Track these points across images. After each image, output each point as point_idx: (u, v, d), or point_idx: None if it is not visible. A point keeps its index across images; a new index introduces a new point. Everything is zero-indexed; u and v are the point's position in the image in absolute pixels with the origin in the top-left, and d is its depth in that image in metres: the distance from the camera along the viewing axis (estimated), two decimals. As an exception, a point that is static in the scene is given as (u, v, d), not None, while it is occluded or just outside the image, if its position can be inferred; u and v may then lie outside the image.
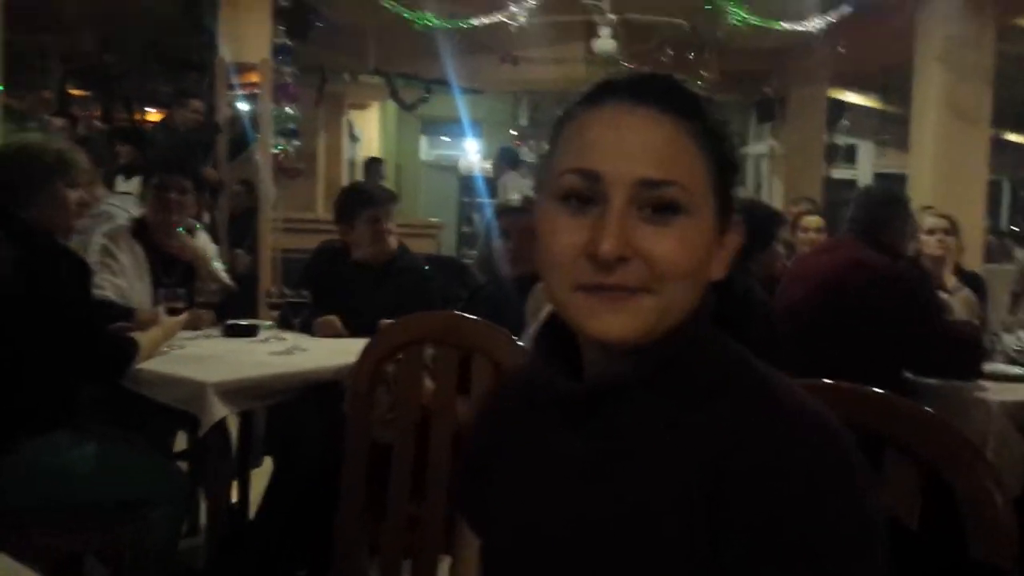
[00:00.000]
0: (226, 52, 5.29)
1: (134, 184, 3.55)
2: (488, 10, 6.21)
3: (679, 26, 7.23)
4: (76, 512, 2.12)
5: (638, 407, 0.76)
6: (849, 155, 12.11)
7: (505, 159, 8.21)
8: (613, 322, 0.73)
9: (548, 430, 0.81)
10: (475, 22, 6.13)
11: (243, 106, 5.77)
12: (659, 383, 0.76)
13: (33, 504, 2.09)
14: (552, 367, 0.80)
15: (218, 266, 3.30)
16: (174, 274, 3.05)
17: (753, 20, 6.50)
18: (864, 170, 12.15)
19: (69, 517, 2.11)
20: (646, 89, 0.75)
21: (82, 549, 2.37)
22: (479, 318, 1.72)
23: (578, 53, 7.56)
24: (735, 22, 6.33)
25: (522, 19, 5.93)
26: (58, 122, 5.85)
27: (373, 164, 9.19)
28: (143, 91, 7.90)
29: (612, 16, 6.72)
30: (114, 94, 7.99)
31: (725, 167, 0.77)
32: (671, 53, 7.31)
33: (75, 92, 7.92)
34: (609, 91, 0.76)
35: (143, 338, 2.39)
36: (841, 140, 11.14)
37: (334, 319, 3.01)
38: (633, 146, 0.73)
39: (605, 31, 6.81)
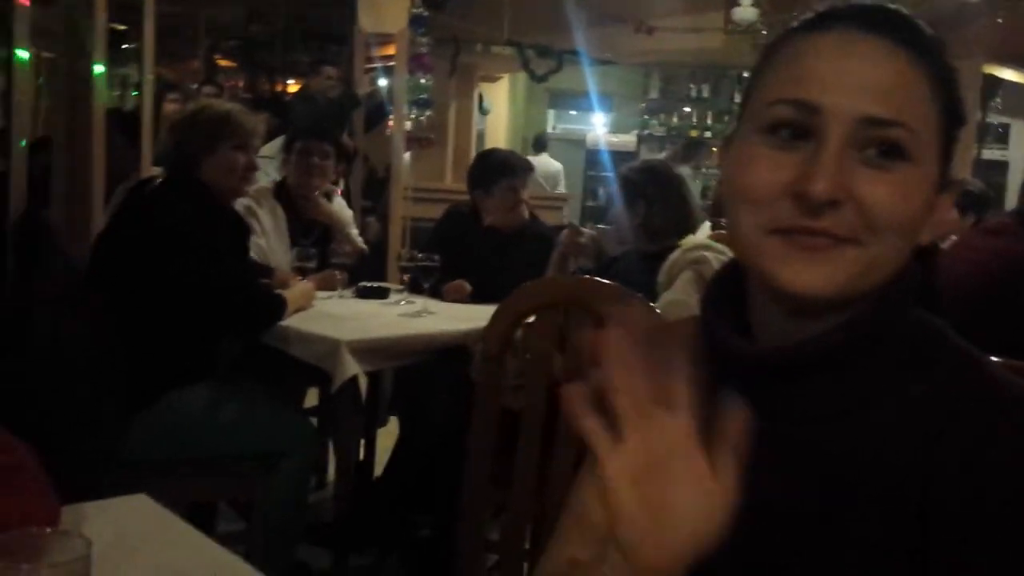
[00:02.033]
0: (365, 23, 5.38)
1: (274, 148, 3.67)
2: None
3: (824, -5, 6.90)
4: (211, 461, 2.22)
5: (836, 378, 0.68)
6: (1002, 136, 11.34)
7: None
8: (810, 273, 0.65)
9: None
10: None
11: (381, 80, 5.87)
12: (864, 352, 0.68)
13: (172, 453, 2.19)
14: (723, 324, 0.73)
15: (353, 231, 3.38)
16: (311, 236, 3.14)
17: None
18: (1017, 151, 11.36)
19: (205, 466, 2.21)
20: (880, 18, 0.67)
21: (216, 497, 2.48)
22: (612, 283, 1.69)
23: (716, 22, 7.32)
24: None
25: (660, -14, 5.80)
26: (207, 90, 6.09)
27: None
28: (285, 62, 8.15)
29: (754, -16, 6.48)
30: (257, 65, 8.28)
31: (953, 119, 0.69)
32: (815, 23, 6.97)
33: (221, 62, 8.24)
34: (835, 16, 0.69)
35: (288, 295, 2.48)
36: (994, 119, 10.44)
37: (463, 283, 3.03)
38: (859, 78, 0.66)
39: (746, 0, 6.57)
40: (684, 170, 3.50)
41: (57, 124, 2.74)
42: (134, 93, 5.14)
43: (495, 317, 1.76)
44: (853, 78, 0.66)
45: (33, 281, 2.23)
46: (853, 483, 0.66)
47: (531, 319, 1.77)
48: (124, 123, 3.10)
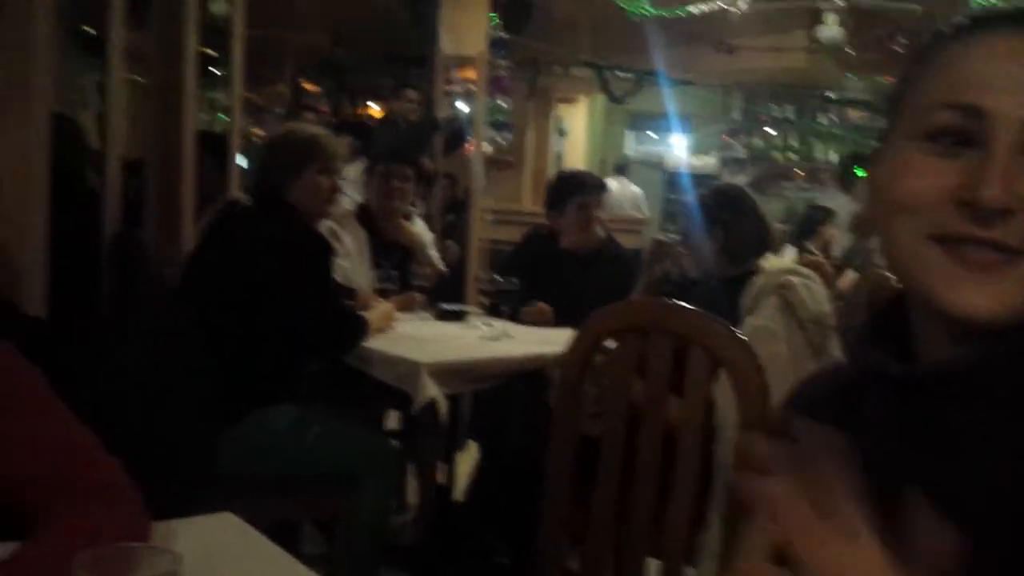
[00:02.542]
0: (446, 46, 5.46)
1: (356, 171, 3.74)
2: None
3: (912, 12, 6.72)
4: (295, 481, 2.24)
5: (996, 401, 0.62)
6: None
7: None
8: (980, 294, 0.61)
9: (875, 428, 0.69)
10: (692, 10, 5.98)
11: (461, 104, 5.94)
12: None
13: (257, 471, 2.22)
14: (882, 351, 0.68)
15: (433, 252, 3.41)
16: (392, 258, 3.18)
17: (998, 3, 5.92)
18: None
19: (289, 485, 2.23)
20: None
21: (300, 517, 2.51)
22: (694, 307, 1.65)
23: (799, 41, 7.19)
24: (980, 2, 5.79)
25: (743, 6, 5.72)
26: (307, 116, 6.24)
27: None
28: (368, 85, 8.31)
29: (839, 2, 6.34)
30: (342, 88, 8.47)
31: None
32: (903, 42, 6.80)
33: (307, 86, 8.45)
34: (994, 19, 0.65)
35: (370, 317, 2.50)
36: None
37: (543, 307, 3.02)
38: None
39: (831, 18, 6.43)
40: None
41: (149, 146, 2.83)
42: (221, 116, 5.31)
43: (573, 341, 1.73)
44: (1018, 81, 0.62)
45: (126, 298, 2.30)
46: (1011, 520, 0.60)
47: (611, 343, 1.74)
48: (213, 146, 3.19)
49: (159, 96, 2.77)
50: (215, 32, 3.48)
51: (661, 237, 2.90)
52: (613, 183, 8.96)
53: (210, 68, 4.20)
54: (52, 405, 0.96)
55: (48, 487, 0.91)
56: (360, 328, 2.45)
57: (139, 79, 2.90)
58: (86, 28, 4.89)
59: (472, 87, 5.63)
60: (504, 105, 6.22)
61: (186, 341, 2.16)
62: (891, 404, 0.67)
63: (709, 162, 10.34)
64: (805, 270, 2.35)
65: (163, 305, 2.25)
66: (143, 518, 0.94)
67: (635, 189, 9.07)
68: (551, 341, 2.56)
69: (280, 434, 2.26)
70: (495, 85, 5.93)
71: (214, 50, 3.75)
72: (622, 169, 9.41)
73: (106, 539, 0.78)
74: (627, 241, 5.21)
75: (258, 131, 6.41)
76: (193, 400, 2.13)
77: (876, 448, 0.66)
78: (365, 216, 3.20)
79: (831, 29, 6.42)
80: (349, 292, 2.87)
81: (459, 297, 4.26)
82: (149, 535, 0.93)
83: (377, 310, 2.62)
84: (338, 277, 2.99)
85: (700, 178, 9.09)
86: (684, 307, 1.63)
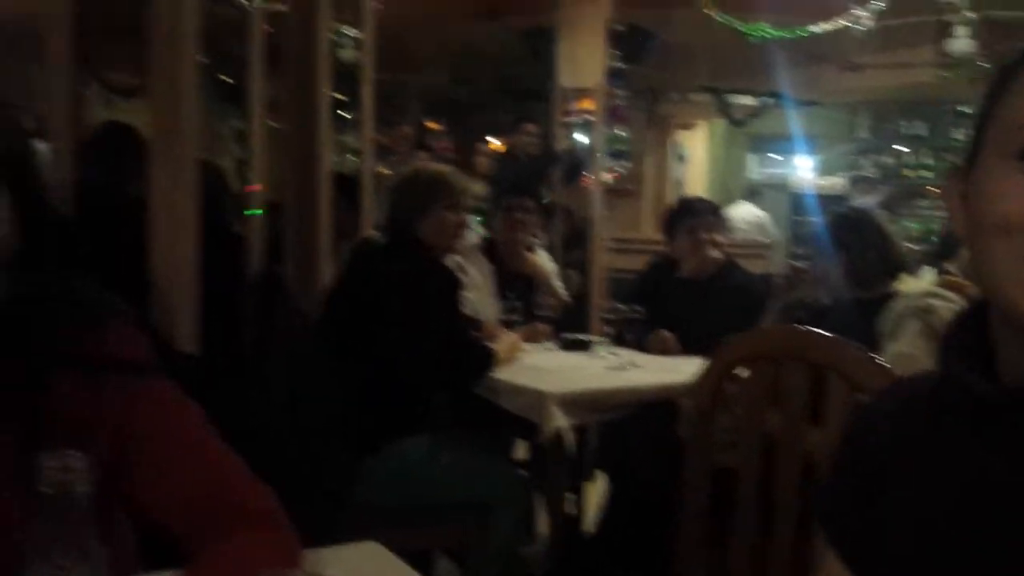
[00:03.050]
0: (564, 79, 5.52)
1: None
2: (828, 16, 5.89)
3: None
4: (429, 510, 2.29)
5: None
6: None
7: None
8: None
9: (956, 446, 0.69)
10: (814, 29, 5.84)
11: (579, 136, 5.98)
12: None
13: (392, 501, 2.27)
14: (965, 366, 0.68)
15: (556, 283, 3.44)
16: (516, 289, 3.22)
17: None
18: None
19: (423, 514, 2.28)
20: None
21: (433, 546, 2.55)
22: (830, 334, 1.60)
23: (927, 56, 6.91)
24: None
25: (867, 23, 5.55)
26: (422, 156, 6.43)
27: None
28: (489, 121, 8.48)
29: (971, 14, 6.06)
30: (463, 126, 8.67)
31: None
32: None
33: (431, 126, 8.69)
34: None
35: (497, 348, 2.54)
36: None
37: (666, 335, 2.99)
38: None
39: (962, 30, 6.16)
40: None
41: (287, 189, 2.97)
42: (351, 157, 5.52)
43: (705, 370, 1.71)
44: None
45: (269, 333, 2.42)
46: None
47: (743, 372, 1.71)
48: (346, 186, 3.33)
49: (296, 141, 2.91)
50: (344, 78, 3.63)
51: (796, 263, 2.84)
52: (741, 208, 8.85)
53: (339, 112, 4.38)
54: (209, 436, 1.00)
55: (206, 514, 0.95)
56: (487, 359, 2.49)
57: (275, 125, 3.06)
58: (224, 78, 5.18)
59: (590, 118, 5.66)
60: (622, 134, 6.22)
61: (324, 374, 2.25)
62: (972, 419, 0.67)
63: (836, 182, 10.02)
64: (947, 292, 2.25)
65: (303, 340, 2.36)
66: (295, 546, 0.96)
67: (762, 213, 8.89)
68: (678, 370, 2.54)
69: (413, 464, 2.32)
70: (613, 115, 5.94)
71: (343, 95, 3.91)
72: (752, 194, 9.25)
73: (261, 566, 0.79)
74: (752, 266, 5.12)
75: (384, 170, 6.63)
76: (331, 431, 2.21)
77: (956, 462, 0.67)
78: (490, 249, 3.26)
79: (962, 42, 6.14)
80: (476, 323, 2.92)
81: (583, 327, 4.26)
82: (300, 563, 0.95)
83: (504, 341, 2.66)
84: (465, 309, 3.06)
85: (828, 199, 8.83)
86: (821, 334, 1.59)
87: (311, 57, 2.89)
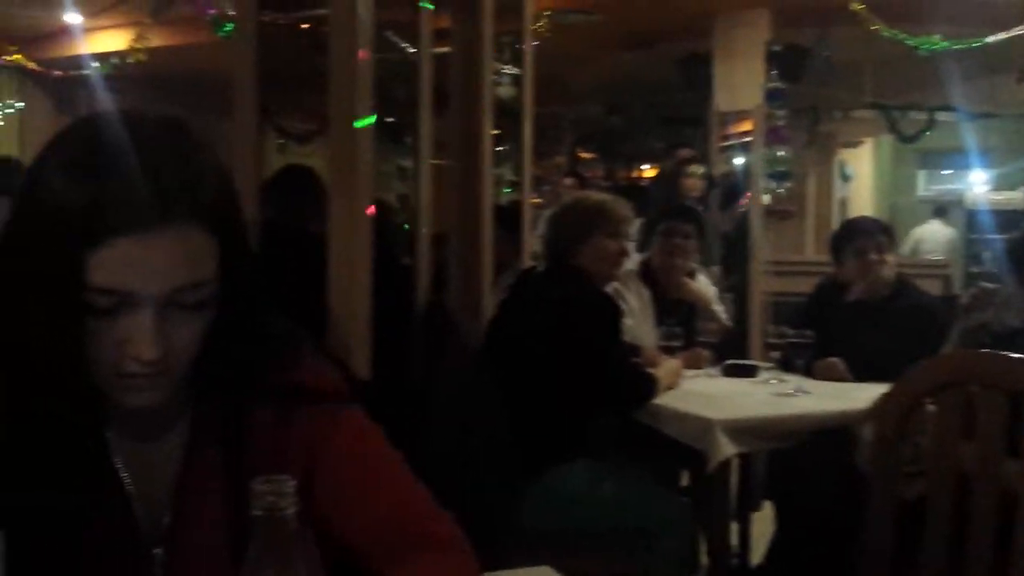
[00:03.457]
0: (721, 102, 5.45)
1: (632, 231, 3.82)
2: (1004, 25, 5.55)
3: None
4: (592, 537, 2.28)
5: None
6: None
7: None
8: None
9: None
10: (989, 39, 5.51)
11: (737, 159, 5.88)
12: None
13: (555, 527, 2.29)
14: None
15: (717, 308, 3.38)
16: (676, 314, 3.18)
17: None
18: None
19: (585, 541, 2.27)
20: None
21: (596, 573, 2.54)
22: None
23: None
24: None
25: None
26: (568, 182, 6.50)
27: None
28: (641, 149, 8.48)
29: None
30: (616, 154, 8.71)
31: None
32: None
33: (583, 155, 8.77)
34: None
35: (658, 374, 2.53)
36: None
37: (836, 361, 2.88)
38: None
39: None
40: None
41: (451, 221, 3.08)
42: (507, 190, 5.64)
43: (888, 397, 1.64)
44: None
45: (436, 362, 2.50)
46: None
47: (928, 400, 1.63)
48: (505, 217, 3.41)
49: (459, 176, 3.02)
50: (502, 114, 3.73)
51: (984, 284, 2.67)
52: (930, 227, 8.41)
53: (498, 148, 4.50)
54: (397, 462, 1.02)
55: (394, 539, 0.96)
56: (649, 385, 2.48)
57: (437, 162, 3.17)
58: (388, 119, 5.43)
59: (749, 139, 5.56)
60: (783, 154, 6.06)
61: (488, 401, 2.31)
62: None
63: (1015, 197, 9.37)
64: None
65: (467, 368, 2.42)
66: (475, 571, 0.97)
67: (949, 232, 8.43)
68: (849, 396, 2.44)
69: (575, 490, 2.33)
70: (773, 136, 5.81)
71: (500, 129, 4.01)
72: (941, 211, 8.80)
73: None
74: (928, 287, 4.86)
75: (538, 200, 6.73)
76: (496, 457, 2.25)
77: None
78: (648, 274, 3.25)
79: None
80: (635, 350, 2.91)
81: (744, 352, 4.17)
82: None
83: (665, 367, 2.64)
84: (624, 336, 3.05)
85: (1005, 215, 8.28)
86: (1012, 358, 1.49)
87: (474, 96, 3.00)
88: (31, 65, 7.55)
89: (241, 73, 2.50)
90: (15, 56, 7.43)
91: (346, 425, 1.01)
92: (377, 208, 2.55)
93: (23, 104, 7.74)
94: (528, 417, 2.34)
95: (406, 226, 3.11)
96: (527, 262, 3.39)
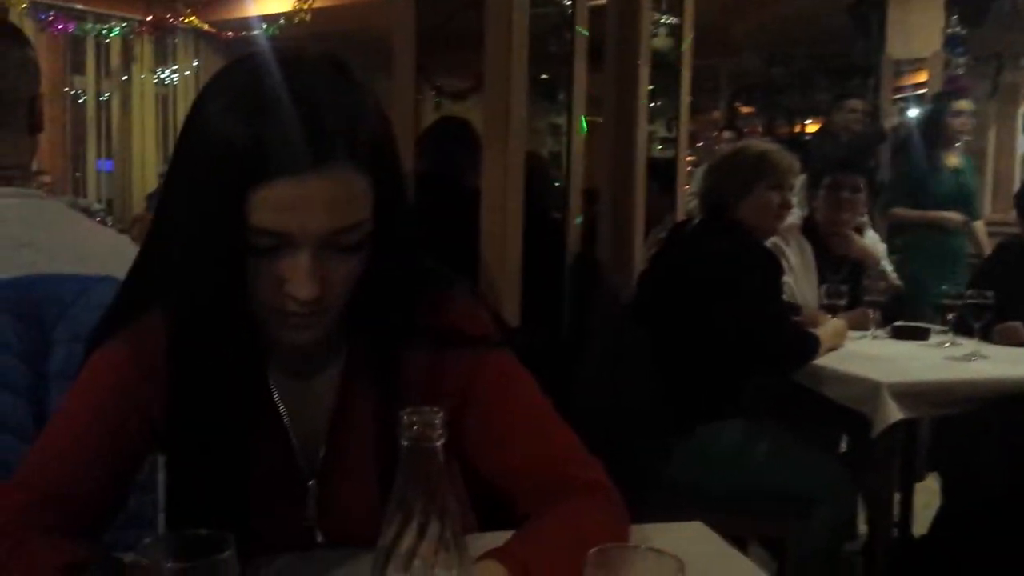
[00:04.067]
0: (894, 50, 5.11)
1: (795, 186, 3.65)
2: None
3: None
4: (743, 498, 2.22)
5: None
6: None
7: None
8: None
9: None
10: None
11: (911, 112, 5.51)
12: None
13: (705, 485, 2.24)
14: None
15: (886, 266, 3.21)
16: (840, 272, 3.04)
17: None
18: None
19: (737, 502, 2.22)
20: None
21: (747, 535, 2.48)
22: None
23: None
24: None
25: None
26: (726, 136, 6.30)
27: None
28: (804, 102, 8.10)
29: None
30: (776, 107, 8.35)
31: None
32: None
33: (743, 109, 8.47)
34: None
35: (821, 334, 2.42)
36: None
37: (1018, 325, 2.68)
38: None
39: None
40: None
41: (603, 178, 3.04)
42: (658, 148, 5.52)
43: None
44: None
45: (584, 314, 2.49)
46: None
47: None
48: (660, 172, 3.33)
49: (612, 132, 2.97)
50: (657, 67, 3.63)
51: None
52: None
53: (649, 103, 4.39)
54: (545, 406, 1.02)
55: (540, 480, 0.97)
56: (810, 346, 2.38)
57: (589, 119, 3.13)
58: (543, 76, 5.41)
59: (924, 91, 5.20)
60: (963, 107, 5.64)
61: (638, 355, 2.27)
62: None
63: None
64: None
65: (617, 322, 2.39)
66: (625, 519, 0.96)
67: None
68: (1032, 364, 2.27)
69: (728, 450, 2.27)
70: (951, 86, 5.41)
71: (654, 83, 3.92)
72: None
73: (593, 533, 0.80)
74: None
75: (692, 157, 6.56)
76: (646, 410, 2.22)
77: None
78: (811, 230, 3.11)
79: None
80: (795, 308, 2.80)
81: (910, 314, 3.94)
82: (629, 537, 0.95)
83: (828, 327, 2.53)
84: (784, 294, 2.94)
85: None
86: None
87: (631, 49, 2.93)
88: (205, 27, 7.96)
89: (400, 32, 2.56)
90: (190, 19, 7.86)
91: (495, 367, 1.01)
92: (529, 162, 2.55)
93: (198, 63, 8.17)
94: (681, 374, 2.30)
95: (557, 183, 3.09)
96: (682, 217, 3.32)
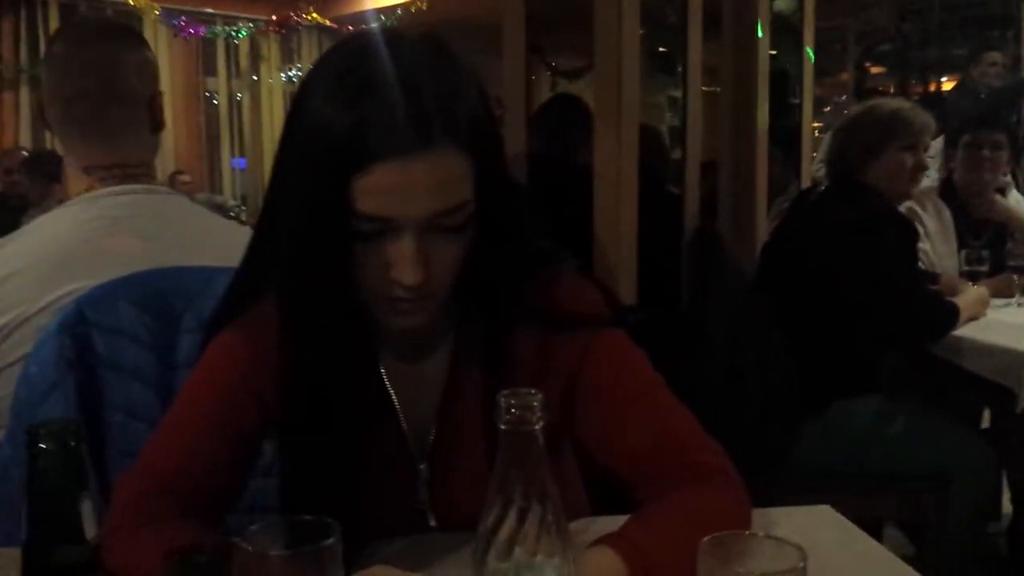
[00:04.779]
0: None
1: (932, 147, 3.45)
2: None
3: None
4: (878, 477, 2.13)
5: None
6: None
7: None
8: None
9: None
10: None
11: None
12: None
13: (838, 464, 2.15)
14: None
15: (1034, 227, 3.01)
16: (982, 237, 2.87)
17: None
18: None
19: (873, 481, 2.12)
20: None
21: (883, 515, 2.37)
22: None
23: None
24: None
25: None
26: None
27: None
28: (939, 58, 7.65)
29: None
30: (909, 65, 7.92)
31: None
32: None
33: (873, 69, 8.06)
34: None
35: (960, 302, 2.29)
36: None
37: None
38: None
39: None
40: None
41: (722, 149, 2.95)
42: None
43: None
44: None
45: (705, 290, 2.42)
46: None
47: None
48: (783, 139, 3.21)
49: (731, 102, 2.87)
50: (778, 31, 3.48)
51: None
52: None
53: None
54: (660, 387, 0.99)
55: (656, 463, 0.94)
56: (949, 315, 2.25)
57: (707, 89, 3.04)
58: (661, 49, 5.29)
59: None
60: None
61: (764, 332, 2.20)
62: None
63: None
64: None
65: (741, 297, 2.32)
66: (746, 504, 0.92)
67: None
68: None
69: (863, 427, 2.18)
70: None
71: (776, 49, 3.77)
72: None
73: (712, 519, 0.77)
74: None
75: (818, 124, 6.29)
76: (772, 387, 2.15)
77: None
78: (949, 192, 2.94)
79: None
80: (932, 276, 2.66)
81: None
82: (750, 522, 0.91)
83: (967, 295, 2.38)
84: (920, 261, 2.79)
85: None
86: None
87: (749, 14, 2.82)
88: (327, 23, 8.18)
89: (509, 15, 2.58)
90: (312, 15, 8.08)
91: (607, 347, 0.99)
92: (646, 136, 2.49)
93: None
94: (810, 349, 2.21)
95: (674, 157, 3.03)
96: (806, 185, 3.19)
